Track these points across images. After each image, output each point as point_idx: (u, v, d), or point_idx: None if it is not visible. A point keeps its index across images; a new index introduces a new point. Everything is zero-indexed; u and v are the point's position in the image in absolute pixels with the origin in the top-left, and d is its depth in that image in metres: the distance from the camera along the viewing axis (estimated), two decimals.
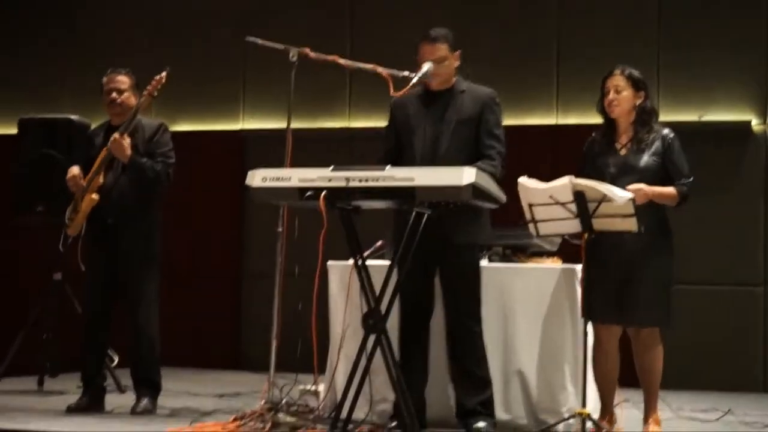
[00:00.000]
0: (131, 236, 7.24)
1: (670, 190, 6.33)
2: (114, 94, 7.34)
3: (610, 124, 6.51)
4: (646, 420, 6.53)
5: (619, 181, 6.25)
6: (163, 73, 7.23)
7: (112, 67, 7.48)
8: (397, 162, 6.49)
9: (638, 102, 6.45)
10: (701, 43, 10.05)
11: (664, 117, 9.52)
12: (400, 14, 10.77)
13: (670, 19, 10.16)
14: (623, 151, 6.44)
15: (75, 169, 7.33)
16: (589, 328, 6.28)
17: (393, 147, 6.70)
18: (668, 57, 10.03)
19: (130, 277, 7.27)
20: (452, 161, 6.25)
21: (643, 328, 6.42)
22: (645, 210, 6.19)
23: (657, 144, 6.39)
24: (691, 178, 6.39)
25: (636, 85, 6.44)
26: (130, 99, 7.37)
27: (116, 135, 7.13)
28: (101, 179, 7.22)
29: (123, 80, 7.37)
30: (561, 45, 10.40)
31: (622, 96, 6.43)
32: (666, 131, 6.44)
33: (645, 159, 6.36)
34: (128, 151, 7.14)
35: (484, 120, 6.53)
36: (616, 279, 6.32)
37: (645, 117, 6.45)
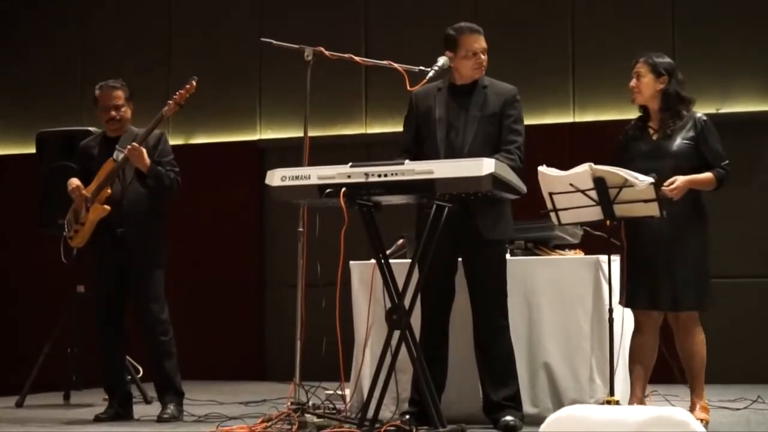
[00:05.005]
0: (140, 245, 7.25)
1: (706, 176, 6.35)
2: (113, 112, 7.35)
3: (645, 111, 6.56)
4: (693, 408, 6.48)
5: (651, 164, 6.27)
6: (193, 82, 7.27)
7: (104, 81, 7.46)
8: (417, 154, 6.52)
9: (660, 87, 6.46)
10: (717, 35, 10.03)
11: None
12: (414, 15, 10.78)
13: (685, 11, 10.14)
14: (655, 136, 6.47)
15: (76, 181, 7.33)
16: (616, 316, 6.24)
17: (412, 138, 6.71)
18: (684, 50, 9.99)
19: (140, 285, 7.27)
20: (476, 156, 6.19)
21: (681, 313, 6.41)
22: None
23: (689, 128, 6.41)
24: (727, 161, 6.40)
25: (656, 70, 6.46)
26: (128, 112, 7.41)
27: (135, 144, 7.14)
28: (110, 190, 7.24)
29: (119, 95, 7.37)
30: (576, 42, 10.38)
31: (642, 82, 6.49)
32: (698, 115, 6.48)
33: (677, 143, 6.39)
34: (147, 160, 7.17)
35: (506, 116, 6.57)
36: (653, 265, 6.31)
37: (669, 102, 6.46)
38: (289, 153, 8.12)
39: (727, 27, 10.03)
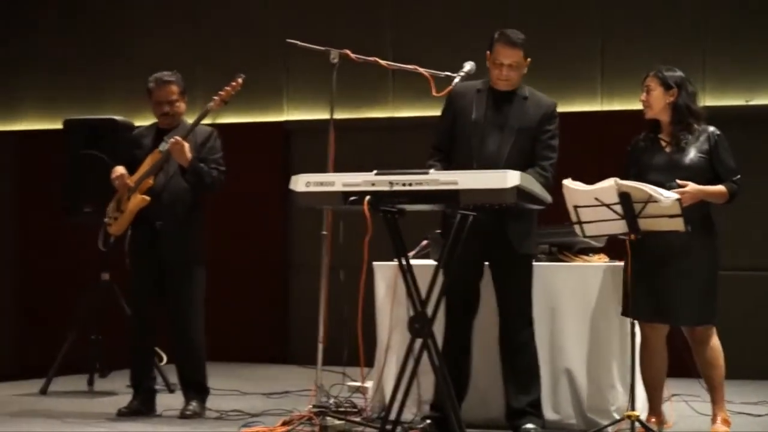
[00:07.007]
0: (178, 240, 7.21)
1: (719, 188, 6.32)
2: (166, 108, 7.29)
3: (655, 123, 6.50)
4: (714, 419, 6.49)
5: (665, 176, 6.25)
6: (239, 80, 7.23)
7: (159, 72, 7.37)
8: (449, 153, 6.51)
9: (669, 100, 6.41)
10: (747, 26, 9.92)
11: (710, 101, 9.46)
12: (440, 9, 10.71)
13: (716, 2, 10.02)
14: (668, 149, 6.43)
15: (121, 168, 7.28)
16: (637, 328, 6.24)
17: (445, 135, 6.60)
18: (714, 41, 9.91)
19: (176, 281, 7.25)
20: (512, 168, 6.04)
21: (689, 327, 6.42)
22: (689, 207, 6.18)
23: (702, 141, 6.37)
24: (739, 176, 6.36)
25: (666, 83, 6.41)
26: (181, 107, 7.34)
27: (178, 138, 7.09)
28: (151, 181, 7.22)
29: (173, 90, 7.29)
30: (605, 30, 10.28)
31: (652, 96, 6.45)
32: (711, 129, 6.43)
33: (691, 156, 6.35)
34: (189, 155, 7.12)
35: (543, 131, 6.49)
36: (659, 278, 6.30)
37: (679, 115, 6.41)
38: (315, 134, 8.05)
39: (758, 17, 9.92)
